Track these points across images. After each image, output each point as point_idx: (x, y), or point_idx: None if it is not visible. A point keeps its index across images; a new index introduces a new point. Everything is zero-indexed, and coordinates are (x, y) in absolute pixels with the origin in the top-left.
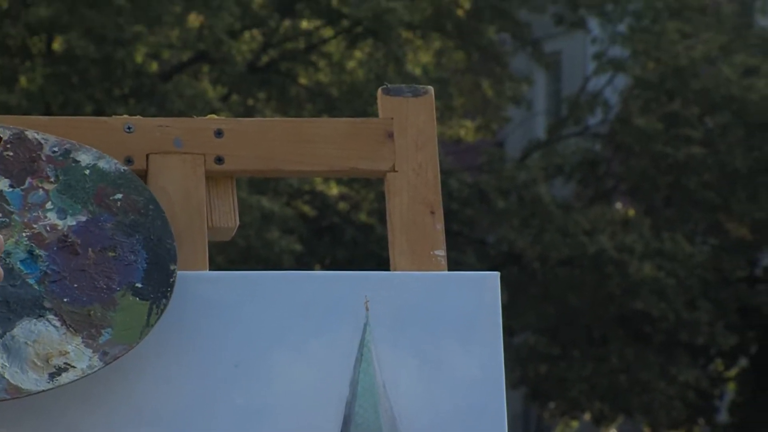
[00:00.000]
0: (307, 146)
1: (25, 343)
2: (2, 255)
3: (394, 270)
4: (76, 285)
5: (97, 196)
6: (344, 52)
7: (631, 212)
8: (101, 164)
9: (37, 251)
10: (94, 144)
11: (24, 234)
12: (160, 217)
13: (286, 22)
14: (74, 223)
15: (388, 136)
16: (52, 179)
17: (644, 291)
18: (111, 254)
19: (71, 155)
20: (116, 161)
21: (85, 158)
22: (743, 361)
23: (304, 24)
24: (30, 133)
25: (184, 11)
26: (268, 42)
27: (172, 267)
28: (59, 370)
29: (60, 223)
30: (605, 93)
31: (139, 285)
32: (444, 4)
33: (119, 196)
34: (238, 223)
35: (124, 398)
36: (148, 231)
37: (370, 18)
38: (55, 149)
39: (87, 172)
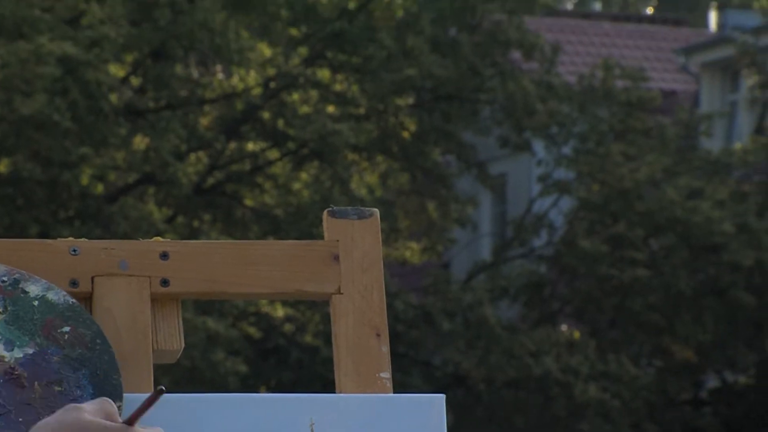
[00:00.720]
0: (252, 268)
1: None
2: None
3: (340, 392)
4: (21, 419)
5: (45, 328)
6: (290, 174)
7: (577, 334)
8: (50, 295)
9: None
10: (40, 267)
11: None
12: (107, 352)
13: (232, 144)
14: (21, 355)
15: (334, 259)
16: (0, 309)
17: (590, 413)
18: (57, 388)
19: (20, 285)
20: (65, 293)
21: (34, 289)
22: None
23: (250, 146)
24: None
25: (129, 133)
26: (214, 164)
27: (117, 404)
28: None
29: (7, 354)
30: (550, 215)
31: None
32: (389, 126)
33: (67, 329)
34: (183, 345)
35: None
36: (94, 366)
37: (315, 140)
38: (5, 278)
39: (36, 303)
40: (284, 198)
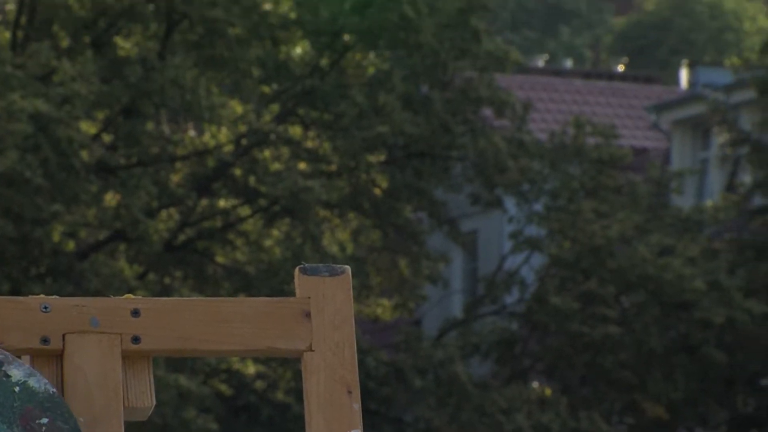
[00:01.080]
0: (223, 326)
1: None
2: None
3: None
4: None
5: (23, 418)
6: (261, 231)
7: (548, 391)
8: (31, 382)
9: None
10: (11, 324)
11: None
12: None
13: (204, 201)
14: None
15: (305, 316)
16: None
17: None
18: None
19: (3, 368)
20: (46, 381)
21: (16, 373)
22: None
23: (222, 203)
24: None
25: (101, 190)
26: (185, 221)
27: None
28: None
29: None
30: (522, 272)
31: None
32: (361, 183)
33: (45, 420)
34: (154, 402)
35: None
36: None
37: (287, 197)
38: None
39: (17, 389)
40: (256, 255)
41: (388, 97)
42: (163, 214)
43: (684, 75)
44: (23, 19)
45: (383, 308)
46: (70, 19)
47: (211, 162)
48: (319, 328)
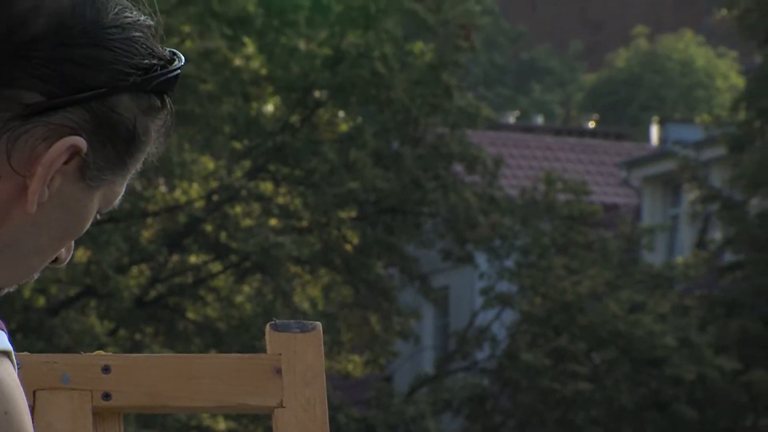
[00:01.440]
0: (194, 382)
1: None
2: None
3: None
4: None
5: None
6: (232, 287)
7: None
8: None
9: None
10: None
11: None
12: None
13: (175, 257)
14: None
15: (276, 372)
16: None
17: None
18: None
19: None
20: None
21: None
22: None
23: (193, 259)
24: None
25: None
26: (156, 276)
27: None
28: None
29: None
30: (493, 328)
31: None
32: (332, 239)
33: None
34: None
35: None
36: None
37: (258, 253)
38: None
39: None
40: (227, 311)
41: (359, 153)
42: (134, 270)
43: (655, 131)
44: None
45: (354, 364)
46: None
47: (182, 218)
48: (290, 384)
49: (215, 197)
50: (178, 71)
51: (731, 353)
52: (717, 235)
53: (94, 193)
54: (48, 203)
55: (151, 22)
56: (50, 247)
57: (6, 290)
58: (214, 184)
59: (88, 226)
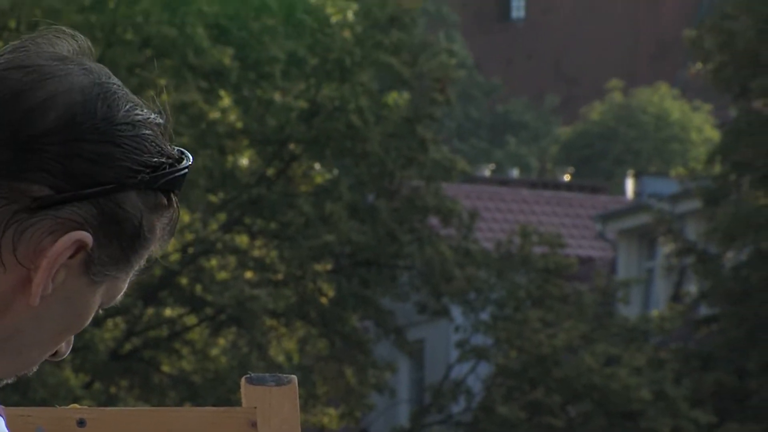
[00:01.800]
0: None
1: None
2: None
3: None
4: None
5: None
6: (208, 340)
7: None
8: None
9: None
10: None
11: None
12: None
13: (150, 310)
14: None
15: (252, 426)
16: None
17: None
18: None
19: None
20: None
21: None
22: None
23: (168, 311)
24: None
25: None
26: (132, 330)
27: None
28: None
29: None
30: (468, 381)
31: None
32: (307, 292)
33: None
34: None
35: None
36: None
37: (233, 306)
38: None
39: None
40: (202, 364)
41: (334, 206)
42: (110, 323)
43: (630, 185)
44: None
45: (330, 417)
46: None
47: (157, 271)
48: None
49: (190, 250)
50: (186, 170)
51: (706, 406)
52: (692, 288)
53: (97, 288)
54: (51, 296)
55: (161, 120)
56: (51, 340)
57: (5, 381)
58: (189, 237)
59: (89, 321)
